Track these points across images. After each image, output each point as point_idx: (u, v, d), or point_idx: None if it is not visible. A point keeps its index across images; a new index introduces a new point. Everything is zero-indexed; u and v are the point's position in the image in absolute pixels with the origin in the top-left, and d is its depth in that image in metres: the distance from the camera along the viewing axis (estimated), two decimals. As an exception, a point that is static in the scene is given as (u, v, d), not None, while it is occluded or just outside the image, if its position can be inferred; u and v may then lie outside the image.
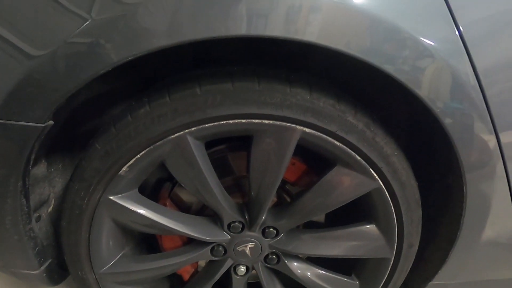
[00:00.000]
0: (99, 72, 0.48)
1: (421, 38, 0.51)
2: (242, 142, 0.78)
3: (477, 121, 0.58)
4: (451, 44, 0.53)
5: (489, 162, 0.62)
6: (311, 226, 0.89)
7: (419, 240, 0.73)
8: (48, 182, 0.74)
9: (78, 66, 0.48)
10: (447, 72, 0.54)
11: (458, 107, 0.56)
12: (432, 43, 0.52)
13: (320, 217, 0.91)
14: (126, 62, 0.51)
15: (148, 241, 0.86)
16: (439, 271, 0.76)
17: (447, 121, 0.56)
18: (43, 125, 0.51)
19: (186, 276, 0.85)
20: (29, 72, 0.48)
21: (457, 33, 0.53)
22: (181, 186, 0.81)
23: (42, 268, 0.71)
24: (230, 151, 0.80)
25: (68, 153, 0.80)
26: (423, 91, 0.54)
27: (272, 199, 0.66)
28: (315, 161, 0.77)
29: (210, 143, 0.79)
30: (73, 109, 0.73)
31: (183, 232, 0.68)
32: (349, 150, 0.60)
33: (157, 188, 0.86)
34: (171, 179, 0.86)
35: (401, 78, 0.52)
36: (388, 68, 0.51)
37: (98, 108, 0.81)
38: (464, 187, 0.63)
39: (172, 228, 0.67)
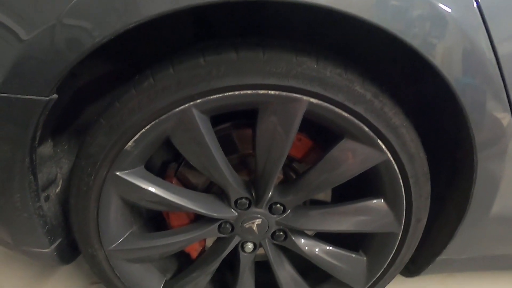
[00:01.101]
0: (100, 42, 0.47)
1: (440, 5, 0.50)
2: (246, 119, 0.78)
3: (493, 97, 0.56)
4: (469, 15, 0.51)
5: (502, 139, 0.60)
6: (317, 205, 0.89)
7: (427, 215, 0.73)
8: (55, 163, 0.75)
9: (78, 37, 0.47)
10: (465, 45, 0.52)
11: (474, 82, 0.55)
12: (450, 13, 0.50)
13: (327, 196, 0.90)
14: (129, 41, 0.50)
15: (155, 221, 0.86)
16: (447, 246, 0.76)
17: (462, 96, 0.54)
18: (47, 98, 0.51)
19: (194, 254, 0.86)
20: (30, 45, 0.47)
21: (475, 4, 0.51)
22: (187, 166, 0.81)
23: (53, 246, 0.72)
24: (235, 128, 0.79)
25: (74, 135, 0.80)
26: (438, 61, 0.52)
27: (278, 174, 0.66)
28: (321, 136, 0.77)
29: (214, 122, 0.78)
30: (78, 89, 0.73)
31: (191, 209, 0.68)
32: (357, 121, 0.59)
33: (162, 171, 0.86)
34: (176, 159, 0.86)
35: (419, 48, 0.51)
36: (406, 37, 0.50)
37: (103, 89, 0.80)
38: (475, 163, 0.62)
39: (179, 205, 0.67)
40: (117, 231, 0.70)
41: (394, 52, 0.66)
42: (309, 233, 0.82)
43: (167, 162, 0.89)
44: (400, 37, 0.50)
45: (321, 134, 0.76)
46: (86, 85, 0.75)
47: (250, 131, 0.78)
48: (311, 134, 0.77)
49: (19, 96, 0.50)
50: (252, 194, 0.70)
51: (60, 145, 0.76)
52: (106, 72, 0.78)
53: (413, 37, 0.51)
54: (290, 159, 0.79)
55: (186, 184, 0.81)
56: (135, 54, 0.78)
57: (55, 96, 0.52)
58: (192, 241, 0.75)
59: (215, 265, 0.78)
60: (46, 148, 0.70)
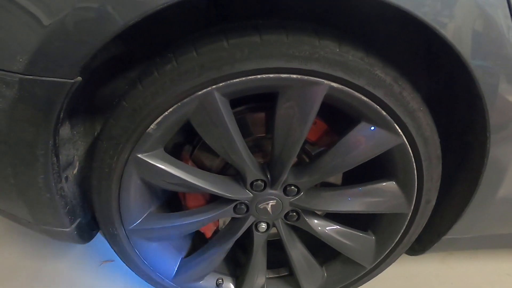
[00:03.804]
0: (127, 24, 0.46)
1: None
2: (260, 103, 0.78)
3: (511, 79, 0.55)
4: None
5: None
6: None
7: (436, 196, 0.75)
8: (72, 144, 0.76)
9: (107, 19, 0.46)
10: (483, 23, 0.52)
11: (492, 64, 0.54)
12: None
13: (337, 178, 0.93)
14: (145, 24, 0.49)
15: (171, 202, 0.88)
16: (453, 226, 0.79)
17: (479, 77, 0.55)
18: (72, 81, 0.51)
19: (208, 234, 0.89)
20: (55, 27, 0.47)
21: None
22: (202, 148, 0.82)
23: (73, 226, 0.74)
24: (249, 112, 0.80)
25: (88, 117, 0.81)
26: (456, 40, 0.52)
27: (295, 157, 0.67)
28: (335, 120, 0.78)
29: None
30: (91, 71, 0.73)
31: (209, 190, 0.70)
32: (376, 106, 0.59)
33: (173, 152, 0.87)
34: (190, 141, 0.87)
35: (438, 28, 0.50)
36: (420, 14, 0.49)
37: (116, 71, 0.80)
38: (488, 146, 0.63)
39: (198, 186, 0.69)
40: (137, 211, 0.72)
41: (409, 32, 0.66)
42: (319, 213, 0.85)
43: (178, 144, 0.90)
44: (413, 13, 0.48)
45: (333, 116, 0.77)
46: (100, 67, 0.75)
47: (263, 114, 0.79)
48: (324, 116, 0.78)
49: (44, 78, 0.50)
50: (267, 176, 0.72)
51: (76, 127, 0.77)
52: (119, 53, 0.77)
53: (429, 16, 0.48)
54: (304, 142, 0.81)
55: (201, 166, 0.83)
56: (149, 36, 0.77)
57: (79, 78, 0.52)
58: (208, 221, 0.77)
59: (230, 244, 0.81)
60: (65, 130, 0.70)
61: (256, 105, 0.79)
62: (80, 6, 0.46)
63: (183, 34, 0.71)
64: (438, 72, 0.73)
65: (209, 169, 0.83)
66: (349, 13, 0.67)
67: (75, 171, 0.78)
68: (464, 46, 0.53)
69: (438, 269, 1.11)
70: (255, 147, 0.82)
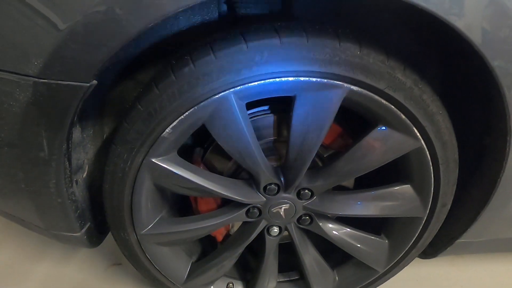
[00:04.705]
0: (147, 26, 0.45)
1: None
2: (271, 105, 0.77)
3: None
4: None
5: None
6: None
7: (452, 200, 0.75)
8: (82, 148, 0.74)
9: (126, 21, 0.45)
10: (507, 23, 0.50)
11: None
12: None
13: (350, 182, 0.92)
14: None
15: (179, 205, 0.87)
16: (467, 230, 0.78)
17: (503, 79, 0.53)
18: (88, 84, 0.50)
19: (219, 238, 0.88)
20: (72, 30, 0.46)
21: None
22: (213, 151, 0.81)
23: (83, 230, 0.73)
24: (261, 114, 0.78)
25: (97, 120, 0.79)
26: (478, 42, 0.50)
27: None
28: (348, 123, 0.77)
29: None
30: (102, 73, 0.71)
31: (223, 194, 0.69)
32: (395, 109, 0.58)
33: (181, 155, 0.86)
34: (201, 144, 0.86)
35: (457, 25, 0.48)
36: (441, 13, 0.47)
37: (125, 72, 0.79)
38: (508, 149, 0.62)
39: (212, 190, 0.67)
40: (149, 216, 0.71)
41: (423, 29, 0.64)
42: (330, 216, 0.84)
43: (186, 147, 0.88)
44: (429, 10, 0.46)
45: (345, 118, 0.76)
46: (110, 68, 0.73)
47: (275, 117, 0.78)
48: (336, 119, 0.77)
49: (60, 82, 0.49)
50: (281, 180, 0.71)
51: (86, 131, 0.76)
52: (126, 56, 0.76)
53: (450, 14, 0.47)
54: (317, 145, 0.79)
55: (212, 170, 0.82)
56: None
57: (95, 82, 0.51)
58: (220, 225, 0.76)
59: (241, 248, 0.80)
60: (76, 134, 0.69)
61: (268, 107, 0.78)
62: (97, 9, 0.44)
63: (194, 36, 0.70)
64: (456, 73, 0.72)
65: (220, 173, 0.82)
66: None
67: (84, 175, 0.76)
68: (486, 48, 0.52)
69: (448, 272, 1.10)
70: (267, 151, 0.81)
